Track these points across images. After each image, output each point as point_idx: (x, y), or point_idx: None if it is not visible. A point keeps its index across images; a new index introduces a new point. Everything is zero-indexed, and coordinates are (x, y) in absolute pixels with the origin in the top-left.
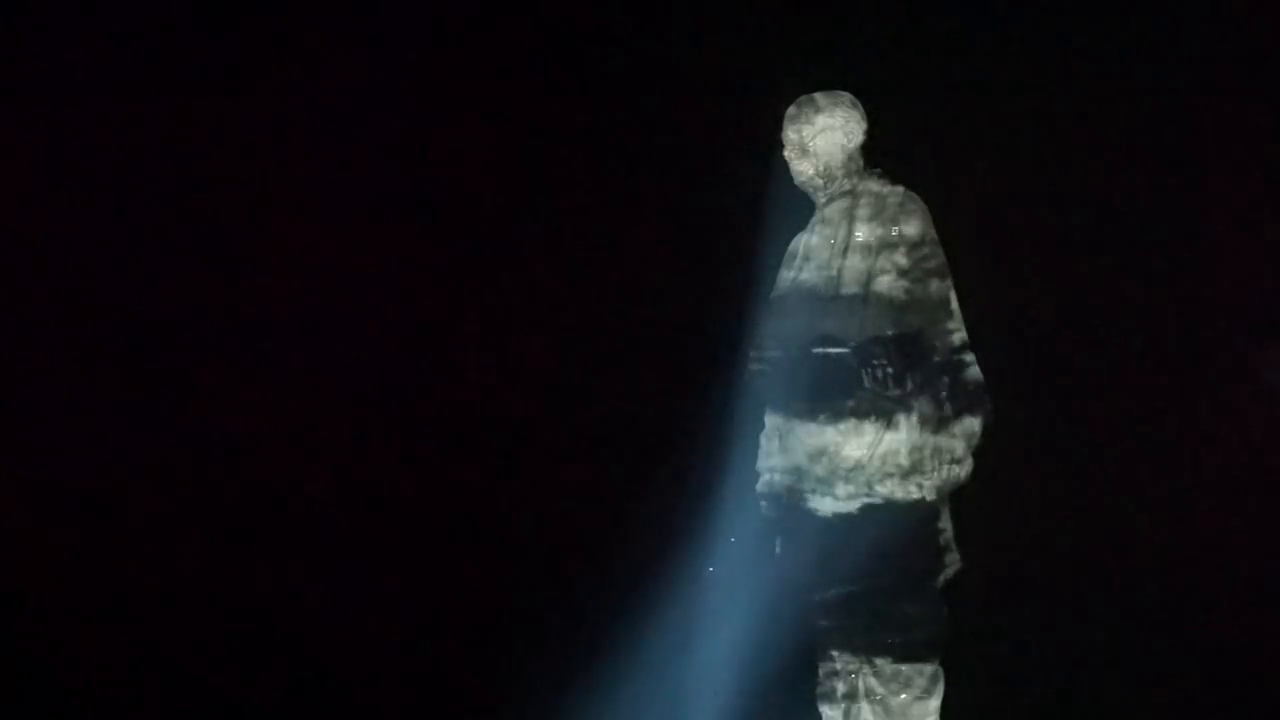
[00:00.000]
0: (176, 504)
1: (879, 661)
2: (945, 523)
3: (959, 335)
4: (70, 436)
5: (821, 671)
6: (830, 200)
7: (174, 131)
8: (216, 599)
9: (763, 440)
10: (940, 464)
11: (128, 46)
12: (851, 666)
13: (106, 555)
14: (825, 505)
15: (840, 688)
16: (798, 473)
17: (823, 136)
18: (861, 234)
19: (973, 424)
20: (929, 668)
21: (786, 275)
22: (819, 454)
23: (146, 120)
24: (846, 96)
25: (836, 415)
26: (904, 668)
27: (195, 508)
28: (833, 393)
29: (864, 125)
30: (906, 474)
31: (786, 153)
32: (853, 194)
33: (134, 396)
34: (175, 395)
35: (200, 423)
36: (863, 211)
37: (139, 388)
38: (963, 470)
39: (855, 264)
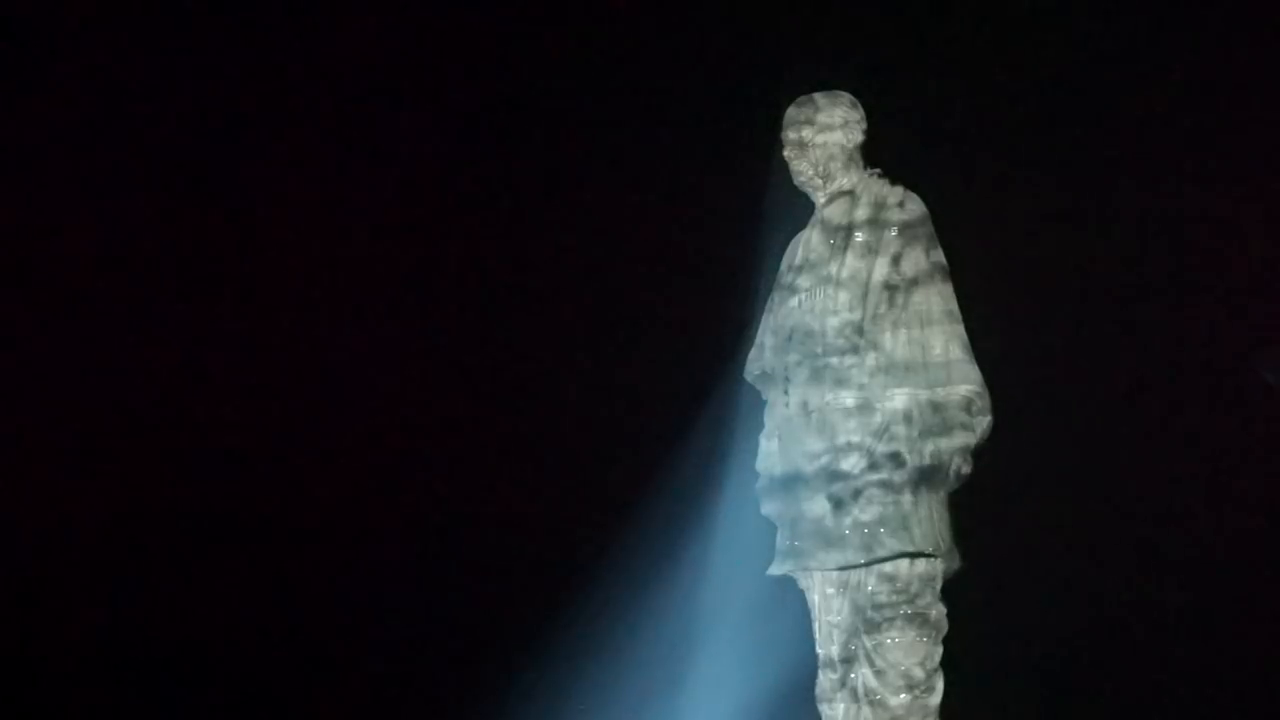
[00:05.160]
0: (175, 505)
1: (878, 660)
2: (944, 523)
3: (958, 337)
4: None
5: (821, 670)
6: (830, 200)
7: (174, 138)
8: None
9: (762, 441)
10: (938, 465)
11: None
12: (851, 665)
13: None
14: (823, 505)
15: (840, 686)
16: (796, 474)
17: (822, 136)
18: (860, 238)
19: (971, 426)
20: (928, 666)
21: (786, 281)
22: (817, 456)
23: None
24: (846, 96)
25: (834, 418)
26: (903, 666)
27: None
28: (831, 396)
29: (863, 125)
30: (904, 476)
31: (786, 152)
32: (852, 194)
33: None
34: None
35: (199, 424)
36: (861, 214)
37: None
38: (961, 470)
39: (854, 270)
